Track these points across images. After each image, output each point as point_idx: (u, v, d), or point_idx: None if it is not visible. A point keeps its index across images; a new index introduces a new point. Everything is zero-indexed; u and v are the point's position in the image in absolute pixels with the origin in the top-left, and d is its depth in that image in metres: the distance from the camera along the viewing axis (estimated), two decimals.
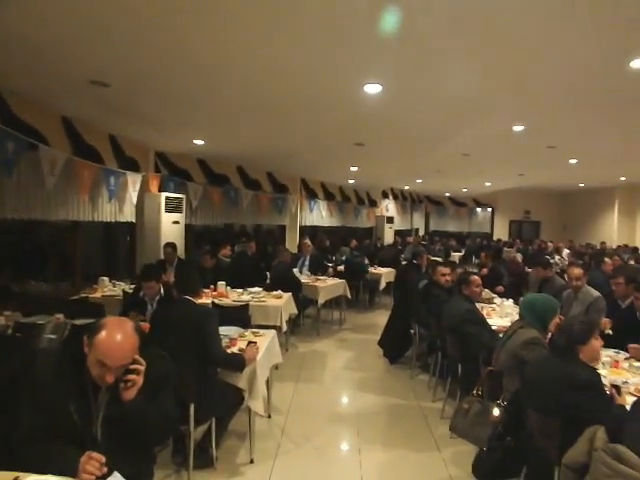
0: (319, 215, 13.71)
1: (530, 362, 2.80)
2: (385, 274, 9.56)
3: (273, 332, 4.34)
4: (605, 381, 2.93)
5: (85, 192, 6.12)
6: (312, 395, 5.02)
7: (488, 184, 15.62)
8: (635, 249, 13.26)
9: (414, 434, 4.15)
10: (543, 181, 15.14)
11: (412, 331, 5.69)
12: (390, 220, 16.95)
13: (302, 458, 3.70)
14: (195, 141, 7.58)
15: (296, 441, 3.95)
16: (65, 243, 7.07)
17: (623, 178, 14.19)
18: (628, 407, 2.33)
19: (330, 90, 4.85)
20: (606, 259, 7.99)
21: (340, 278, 8.31)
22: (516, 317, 4.39)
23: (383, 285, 9.54)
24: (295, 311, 6.44)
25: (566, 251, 13.13)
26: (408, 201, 19.52)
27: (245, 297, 5.89)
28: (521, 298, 4.32)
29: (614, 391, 2.62)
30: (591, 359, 2.57)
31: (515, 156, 9.47)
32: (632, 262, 10.50)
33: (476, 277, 4.52)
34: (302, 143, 7.96)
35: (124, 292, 5.63)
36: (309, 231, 13.42)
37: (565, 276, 5.62)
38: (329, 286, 7.54)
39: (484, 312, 5.10)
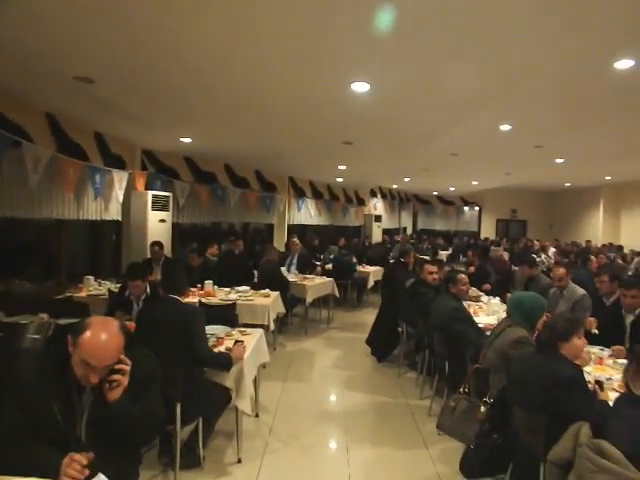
0: (307, 214, 13.70)
1: (516, 360, 2.82)
2: (373, 272, 9.57)
3: (260, 331, 4.32)
4: (590, 377, 2.97)
5: (70, 190, 6.04)
6: (300, 394, 5.01)
7: (475, 183, 15.73)
8: (620, 247, 13.44)
9: (402, 432, 4.17)
10: (530, 180, 15.28)
11: (400, 329, 5.71)
12: (378, 219, 17.01)
13: (290, 457, 3.70)
14: (182, 139, 7.53)
15: (284, 440, 3.95)
16: (50, 241, 6.97)
17: (608, 178, 14.38)
18: (611, 403, 2.36)
19: (317, 89, 4.84)
20: (592, 257, 8.09)
21: (328, 277, 8.31)
22: (502, 315, 4.43)
23: (371, 283, 9.55)
24: (283, 310, 6.43)
25: (552, 249, 13.27)
26: (396, 200, 19.59)
27: (232, 296, 5.86)
28: (509, 295, 4.36)
29: (597, 387, 2.65)
30: (573, 357, 2.58)
31: (502, 155, 9.55)
32: (619, 261, 10.63)
33: (463, 275, 4.55)
34: (290, 141, 7.94)
35: (110, 291, 5.57)
36: (297, 230, 13.40)
37: (551, 274, 5.67)
38: (317, 285, 7.54)
39: (471, 310, 5.13)
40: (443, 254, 15.53)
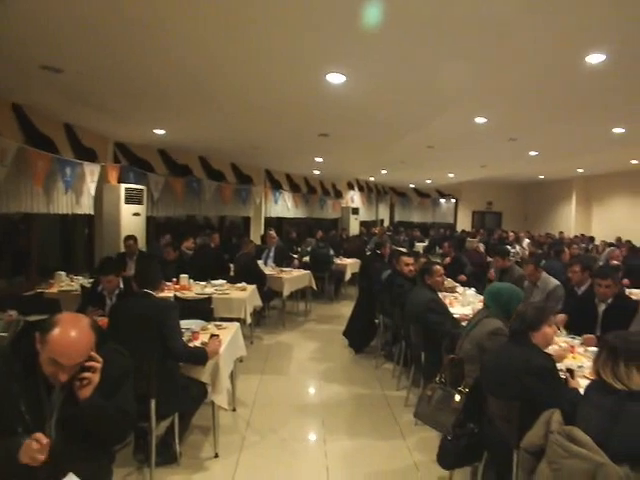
0: (284, 206, 13.64)
1: (489, 350, 2.86)
2: (350, 265, 9.60)
3: (237, 325, 4.29)
4: (561, 365, 3.03)
5: (39, 183, 5.87)
6: (277, 387, 5.00)
7: (451, 175, 15.89)
8: (591, 238, 13.77)
9: (379, 422, 4.19)
10: (505, 173, 15.51)
11: (377, 321, 5.74)
12: (355, 211, 17.06)
13: (267, 450, 3.69)
14: (155, 131, 7.38)
15: (261, 433, 3.93)
16: (19, 236, 6.78)
17: (580, 170, 14.70)
18: (582, 390, 2.41)
19: (293, 79, 4.78)
20: (566, 249, 8.27)
21: (306, 269, 8.30)
22: (478, 306, 4.50)
23: (348, 276, 9.58)
24: (260, 303, 6.40)
25: (526, 241, 13.51)
26: (373, 192, 19.68)
27: (208, 290, 5.80)
28: (487, 286, 4.41)
29: (568, 375, 2.71)
30: (544, 345, 2.65)
31: (477, 148, 9.65)
32: (597, 251, 10.87)
33: (438, 267, 4.59)
34: (266, 133, 7.86)
35: (82, 287, 5.45)
36: (274, 222, 13.35)
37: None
38: (294, 277, 7.53)
39: (447, 301, 5.18)
40: (420, 246, 15.68)
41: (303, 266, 8.78)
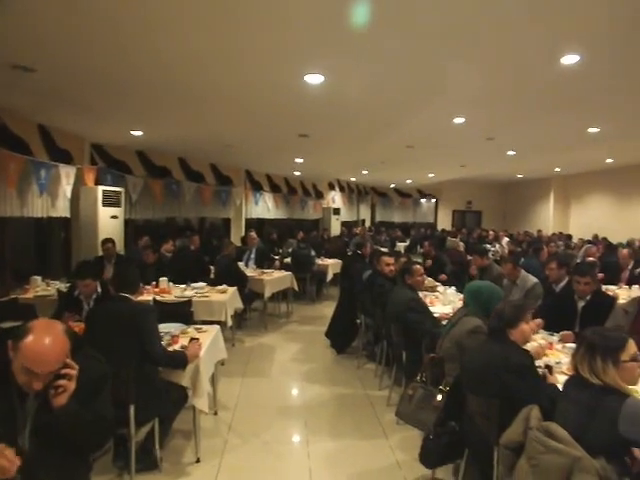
0: (265, 207, 13.58)
1: (469, 348, 2.88)
2: (332, 265, 9.60)
3: (217, 327, 4.25)
4: (540, 362, 3.07)
5: (12, 186, 5.74)
6: (259, 389, 4.97)
7: (431, 175, 16.01)
8: (569, 236, 14.01)
9: (362, 422, 4.20)
10: (484, 172, 15.70)
11: (358, 321, 5.75)
12: (337, 211, 17.07)
13: (250, 453, 3.66)
14: (133, 132, 7.28)
15: (243, 437, 3.91)
16: None
17: (558, 169, 14.95)
18: (560, 386, 2.44)
19: (271, 79, 4.76)
20: (545, 247, 8.40)
21: (287, 270, 8.27)
22: (458, 304, 4.53)
23: (330, 276, 9.58)
24: (241, 305, 6.35)
25: (505, 239, 13.68)
26: (354, 193, 19.72)
27: (188, 293, 5.74)
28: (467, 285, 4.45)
29: (546, 371, 2.74)
30: (522, 341, 2.68)
31: (456, 148, 9.74)
32: (581, 250, 11.01)
33: (419, 266, 4.61)
34: (245, 134, 7.82)
35: (59, 292, 5.34)
36: (255, 224, 13.28)
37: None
38: (275, 279, 7.49)
39: (427, 300, 5.22)
40: (401, 246, 15.77)
41: (284, 267, 8.74)
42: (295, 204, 15.35)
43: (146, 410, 3.08)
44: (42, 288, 5.89)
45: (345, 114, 6.34)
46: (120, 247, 7.54)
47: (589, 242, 11.74)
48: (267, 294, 7.17)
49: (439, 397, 3.00)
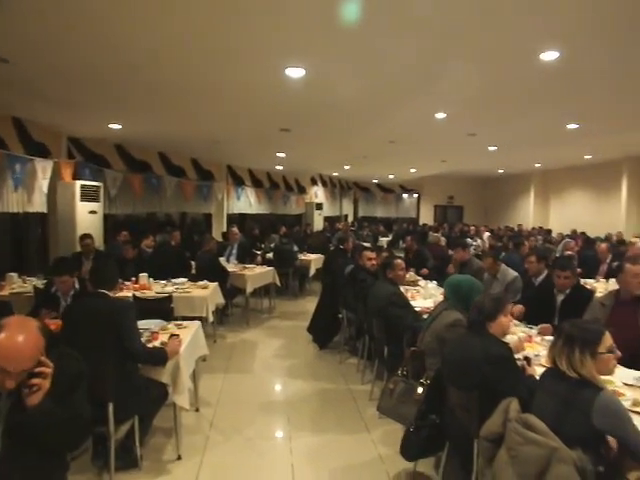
0: (247, 202, 13.49)
1: (449, 341, 2.89)
2: (314, 260, 9.60)
3: (197, 323, 4.21)
4: (519, 354, 3.10)
5: None
6: (241, 385, 4.94)
7: (413, 170, 16.09)
8: (549, 231, 14.22)
9: (344, 417, 4.21)
10: (465, 167, 15.84)
11: (340, 316, 5.75)
12: (319, 206, 17.06)
13: (232, 450, 3.64)
14: (111, 125, 7.15)
15: (225, 433, 3.88)
16: None
17: (538, 165, 15.16)
18: (538, 378, 2.47)
19: (252, 73, 4.71)
20: (526, 242, 8.50)
21: (269, 266, 8.24)
22: (439, 298, 4.55)
23: (313, 271, 9.58)
24: (222, 301, 6.31)
25: (486, 234, 13.84)
26: (337, 188, 19.73)
27: (169, 289, 5.67)
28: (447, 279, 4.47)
29: (525, 363, 2.77)
30: (501, 334, 2.71)
31: (438, 143, 9.79)
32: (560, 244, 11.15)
33: (400, 261, 4.62)
34: (226, 128, 7.74)
35: (36, 288, 5.23)
36: (237, 219, 13.20)
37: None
38: (257, 274, 7.46)
39: (409, 294, 5.24)
40: (383, 240, 15.85)
41: (266, 262, 8.71)
42: (277, 199, 15.29)
43: (126, 408, 3.04)
44: (18, 285, 5.77)
45: (327, 109, 6.31)
46: (99, 243, 7.44)
47: (568, 237, 11.94)
48: (249, 289, 7.13)
49: (420, 390, 3.01)
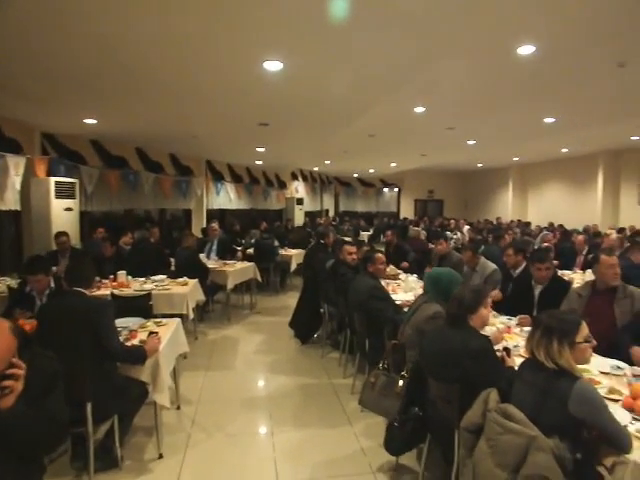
0: (227, 198, 13.38)
1: (427, 333, 2.90)
2: (295, 256, 9.56)
3: (177, 320, 4.16)
4: (498, 345, 3.14)
5: None
6: (223, 382, 4.91)
7: (394, 164, 16.16)
8: (527, 224, 14.44)
9: (326, 411, 4.21)
10: (445, 161, 15.96)
11: (322, 310, 5.75)
12: (300, 201, 17.03)
13: (214, 447, 3.61)
14: (86, 120, 6.99)
15: (207, 431, 3.85)
16: None
17: (516, 159, 15.37)
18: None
19: (229, 66, 4.64)
20: (506, 236, 8.61)
21: (250, 261, 8.19)
22: (420, 292, 4.57)
23: (294, 267, 9.55)
24: (202, 297, 6.25)
25: (466, 227, 13.99)
26: (318, 182, 19.71)
27: (148, 286, 5.59)
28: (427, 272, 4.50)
29: (505, 354, 2.80)
30: (481, 325, 2.74)
31: (417, 137, 9.84)
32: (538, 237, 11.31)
33: (380, 255, 4.63)
34: (204, 123, 7.64)
35: (10, 288, 5.11)
36: (217, 214, 13.08)
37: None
38: (238, 270, 7.40)
39: (389, 288, 5.27)
40: (365, 235, 15.89)
41: (247, 258, 8.66)
42: (258, 194, 15.20)
43: (105, 407, 3.00)
44: None
45: (305, 103, 6.28)
46: (76, 240, 7.29)
47: (546, 229, 12.14)
48: (230, 286, 7.08)
49: (401, 383, 3.03)
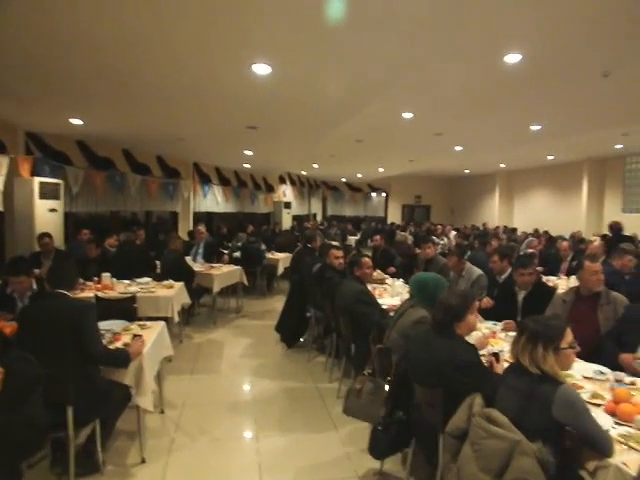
0: (214, 201, 13.30)
1: (413, 338, 2.90)
2: (282, 259, 9.54)
3: (162, 323, 4.12)
4: (485, 351, 3.15)
5: None
6: (208, 386, 4.87)
7: (381, 170, 16.22)
8: (514, 230, 14.58)
9: (311, 416, 4.19)
10: (432, 167, 16.08)
11: (308, 314, 5.73)
12: (288, 205, 17.01)
13: (197, 451, 3.58)
14: (72, 120, 6.91)
15: (191, 435, 3.81)
16: None
17: (503, 165, 15.54)
18: None
19: (217, 69, 4.62)
20: (493, 242, 8.67)
21: (237, 265, 8.15)
22: (406, 296, 4.58)
23: (281, 270, 9.53)
24: (188, 300, 6.20)
25: (453, 232, 14.08)
26: (305, 186, 19.71)
27: (133, 289, 5.53)
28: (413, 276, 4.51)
29: (493, 359, 2.80)
30: (467, 332, 2.73)
31: (405, 143, 9.89)
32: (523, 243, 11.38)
33: (367, 259, 4.63)
34: (192, 125, 7.59)
35: None
36: (204, 217, 13.01)
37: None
38: (224, 273, 7.36)
39: (376, 292, 5.27)
40: (352, 239, 15.92)
41: (234, 261, 8.61)
42: (245, 197, 15.14)
43: (86, 411, 2.95)
44: None
45: (293, 107, 6.27)
46: (60, 242, 7.19)
47: (532, 235, 12.26)
48: (216, 289, 7.04)
49: (387, 388, 3.02)
